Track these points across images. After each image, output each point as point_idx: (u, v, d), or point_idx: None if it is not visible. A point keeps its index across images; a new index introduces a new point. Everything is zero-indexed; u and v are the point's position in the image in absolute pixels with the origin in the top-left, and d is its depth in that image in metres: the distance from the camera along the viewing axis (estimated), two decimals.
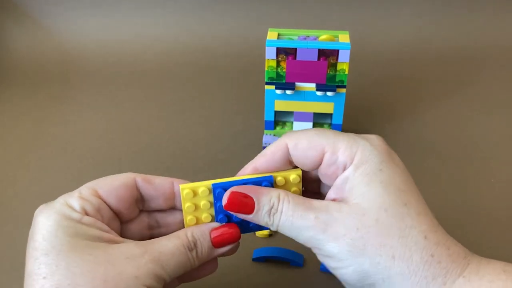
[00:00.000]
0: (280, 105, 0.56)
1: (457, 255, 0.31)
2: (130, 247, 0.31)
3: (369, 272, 0.30)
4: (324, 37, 0.54)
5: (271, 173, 0.34)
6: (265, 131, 0.58)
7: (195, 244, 0.33)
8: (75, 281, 0.28)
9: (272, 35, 0.54)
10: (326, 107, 0.56)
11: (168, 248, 0.31)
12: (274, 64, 0.54)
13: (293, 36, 0.54)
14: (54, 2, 0.84)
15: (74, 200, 0.32)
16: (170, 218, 0.36)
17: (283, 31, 0.55)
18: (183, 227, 0.35)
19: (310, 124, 0.57)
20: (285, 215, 0.32)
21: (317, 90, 0.54)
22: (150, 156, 0.59)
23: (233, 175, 0.35)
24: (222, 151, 0.60)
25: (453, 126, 0.65)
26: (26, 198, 0.53)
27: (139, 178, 0.34)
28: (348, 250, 0.30)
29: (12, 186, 0.54)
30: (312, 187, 0.37)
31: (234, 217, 0.34)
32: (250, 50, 0.81)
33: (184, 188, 0.34)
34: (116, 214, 0.34)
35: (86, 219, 0.31)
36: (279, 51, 0.53)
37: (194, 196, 0.34)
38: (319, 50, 0.52)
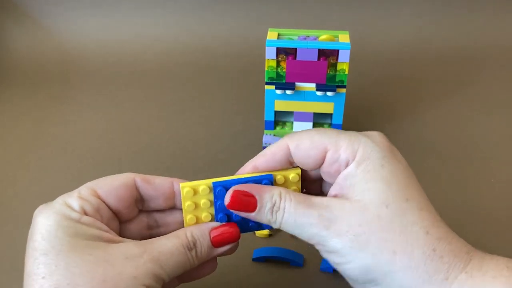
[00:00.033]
0: (280, 105, 0.56)
1: (459, 250, 0.31)
2: (129, 246, 0.31)
3: (371, 267, 0.30)
4: (324, 37, 0.54)
5: (270, 171, 0.34)
6: (265, 131, 0.58)
7: (194, 244, 0.33)
8: (74, 281, 0.28)
9: (272, 35, 0.54)
10: (326, 107, 0.56)
11: (167, 248, 0.31)
12: (274, 64, 0.54)
13: (293, 36, 0.54)
14: (54, 2, 0.84)
15: (73, 200, 0.32)
16: (170, 218, 0.36)
17: (283, 31, 0.55)
18: (183, 226, 0.35)
19: (310, 124, 0.57)
20: (287, 212, 0.32)
21: (317, 90, 0.54)
22: (150, 156, 0.59)
23: (233, 175, 0.35)
24: (222, 151, 0.60)
25: (453, 126, 0.65)
26: (26, 198, 0.53)
27: (139, 178, 0.34)
28: (350, 246, 0.30)
29: (12, 186, 0.54)
30: (313, 187, 0.37)
31: (234, 216, 0.34)
32: (250, 50, 0.81)
33: (185, 187, 0.34)
34: (115, 214, 0.34)
35: (85, 219, 0.31)
36: (279, 51, 0.53)
37: (194, 194, 0.34)
38: (319, 50, 0.52)
